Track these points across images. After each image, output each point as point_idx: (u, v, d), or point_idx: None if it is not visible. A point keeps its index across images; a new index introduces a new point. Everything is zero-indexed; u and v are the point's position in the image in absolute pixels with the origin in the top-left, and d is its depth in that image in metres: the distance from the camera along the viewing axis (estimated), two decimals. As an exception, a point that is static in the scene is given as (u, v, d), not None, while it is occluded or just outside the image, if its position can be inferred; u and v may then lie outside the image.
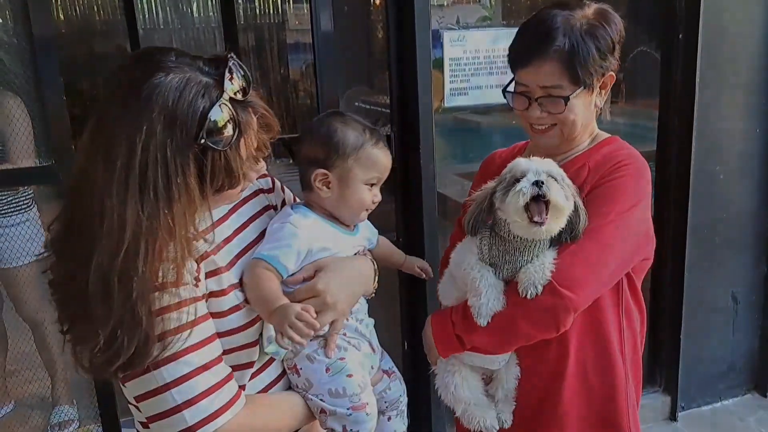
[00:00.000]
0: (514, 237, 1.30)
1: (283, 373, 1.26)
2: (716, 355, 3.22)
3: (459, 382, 1.45)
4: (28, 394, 3.22)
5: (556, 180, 1.26)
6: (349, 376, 1.21)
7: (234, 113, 0.98)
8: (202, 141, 0.95)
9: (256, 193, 1.30)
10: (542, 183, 1.23)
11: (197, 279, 1.06)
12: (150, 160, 0.93)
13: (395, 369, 1.44)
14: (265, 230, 1.24)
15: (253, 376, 1.19)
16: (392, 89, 2.57)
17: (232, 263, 1.15)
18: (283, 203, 1.36)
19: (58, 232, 1.03)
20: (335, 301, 1.19)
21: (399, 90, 2.56)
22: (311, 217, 1.26)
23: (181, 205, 0.96)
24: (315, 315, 1.12)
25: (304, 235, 1.21)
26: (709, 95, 2.84)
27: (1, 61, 2.40)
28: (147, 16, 6.75)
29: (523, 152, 1.54)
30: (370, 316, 1.37)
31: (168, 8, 6.88)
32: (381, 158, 1.29)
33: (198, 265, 1.07)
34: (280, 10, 7.27)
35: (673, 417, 3.15)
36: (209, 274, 1.09)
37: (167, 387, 1.01)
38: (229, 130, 0.98)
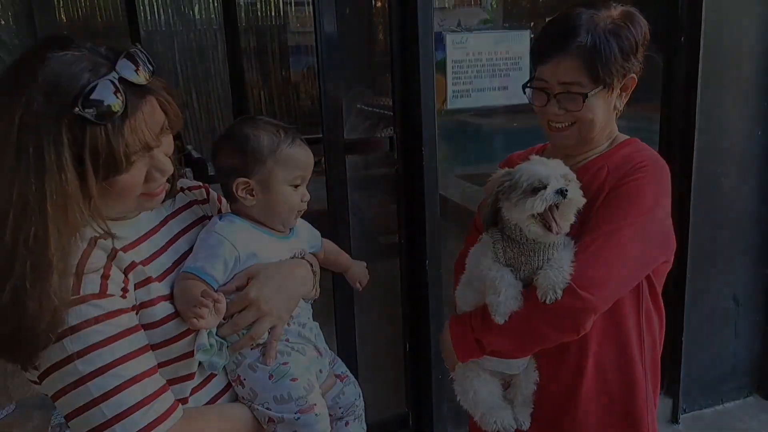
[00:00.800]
0: (526, 239, 1.29)
1: (229, 385, 1.22)
2: (718, 358, 3.22)
3: (478, 388, 1.44)
4: (30, 395, 3.21)
5: (570, 181, 1.27)
6: (293, 380, 1.19)
7: (123, 94, 0.95)
8: (76, 110, 0.91)
9: (189, 205, 1.28)
10: (566, 191, 1.24)
11: (125, 290, 1.03)
12: (25, 129, 0.91)
13: (348, 373, 1.42)
14: None
15: (196, 389, 1.15)
16: (395, 91, 2.58)
17: (164, 274, 1.12)
18: (219, 213, 1.32)
19: None
20: (270, 307, 1.17)
21: (401, 92, 2.57)
22: (238, 223, 1.23)
23: (55, 179, 0.92)
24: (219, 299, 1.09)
25: (231, 243, 1.18)
26: (710, 97, 2.84)
27: (4, 62, 2.41)
28: (149, 17, 6.77)
29: (540, 155, 1.52)
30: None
31: (170, 10, 6.90)
32: (300, 156, 1.26)
33: (126, 276, 1.04)
34: (281, 12, 7.30)
35: (675, 419, 3.15)
36: (138, 285, 1.06)
37: (95, 402, 0.96)
38: (113, 108, 0.94)
